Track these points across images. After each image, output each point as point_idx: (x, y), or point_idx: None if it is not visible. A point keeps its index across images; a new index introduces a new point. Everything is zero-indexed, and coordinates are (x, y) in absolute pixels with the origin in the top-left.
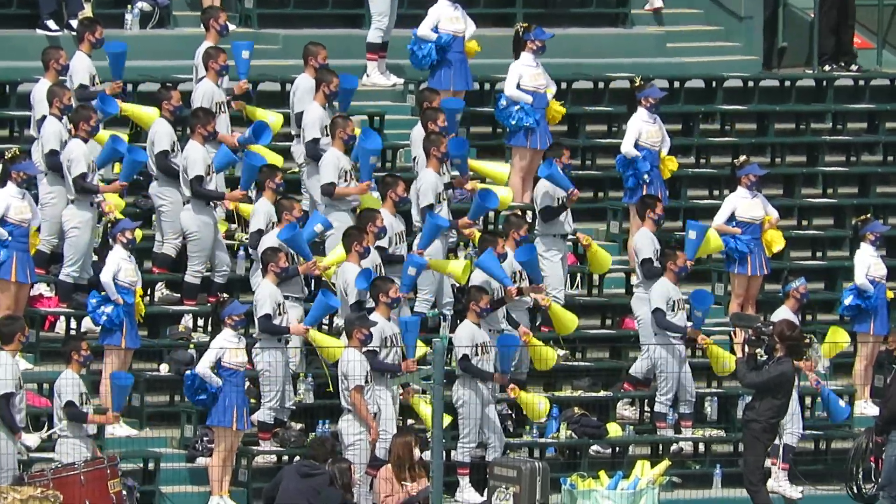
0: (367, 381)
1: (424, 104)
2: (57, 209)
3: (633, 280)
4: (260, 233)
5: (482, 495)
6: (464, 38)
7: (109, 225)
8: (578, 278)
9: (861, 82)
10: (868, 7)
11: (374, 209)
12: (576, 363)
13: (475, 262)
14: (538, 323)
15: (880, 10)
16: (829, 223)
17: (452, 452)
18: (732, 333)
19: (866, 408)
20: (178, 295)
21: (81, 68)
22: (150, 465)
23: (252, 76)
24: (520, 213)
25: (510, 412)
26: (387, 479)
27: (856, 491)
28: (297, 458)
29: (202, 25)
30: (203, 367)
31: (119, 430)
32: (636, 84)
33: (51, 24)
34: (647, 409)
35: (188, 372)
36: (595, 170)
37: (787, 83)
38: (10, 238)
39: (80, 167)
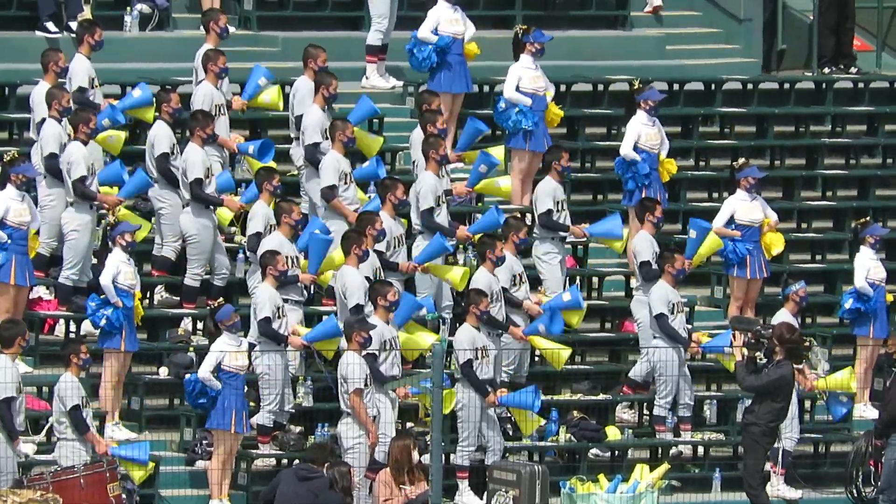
0: (366, 385)
1: (424, 106)
2: (56, 212)
3: (633, 283)
4: (258, 236)
5: (481, 499)
6: (463, 41)
7: (109, 228)
8: (578, 281)
9: (860, 85)
10: (867, 9)
11: (373, 212)
12: (575, 366)
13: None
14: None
15: (880, 12)
16: (828, 226)
17: (451, 456)
18: (732, 337)
19: (865, 411)
20: (178, 298)
21: (81, 71)
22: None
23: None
24: (518, 215)
25: (510, 415)
26: (385, 482)
27: (855, 494)
28: (297, 461)
29: (202, 28)
30: (204, 372)
31: (118, 433)
32: (635, 87)
33: (50, 25)
34: (646, 412)
35: (188, 377)
36: (594, 172)
37: (787, 85)
38: (9, 241)
39: (79, 170)
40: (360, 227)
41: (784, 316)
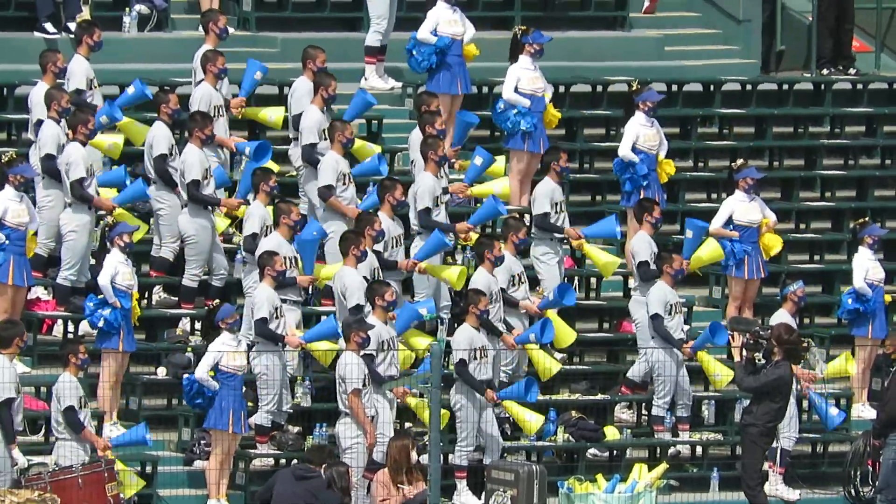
0: (364, 385)
1: (422, 107)
2: (54, 212)
3: (631, 283)
4: (254, 236)
5: (479, 499)
6: (462, 42)
7: (107, 228)
8: (576, 281)
9: (859, 86)
10: (866, 10)
11: (372, 213)
12: (573, 366)
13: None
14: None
15: (879, 13)
16: (826, 226)
17: (450, 456)
18: (731, 337)
19: (864, 411)
20: (176, 298)
21: (79, 71)
22: (148, 469)
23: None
24: (516, 215)
25: (508, 416)
26: (383, 482)
27: (853, 494)
28: (295, 461)
29: (201, 28)
30: (201, 372)
31: (116, 433)
32: (634, 88)
33: (48, 26)
34: (644, 412)
35: (186, 377)
36: (593, 173)
37: (786, 86)
38: (7, 241)
39: (78, 171)
40: (359, 228)
41: (782, 316)
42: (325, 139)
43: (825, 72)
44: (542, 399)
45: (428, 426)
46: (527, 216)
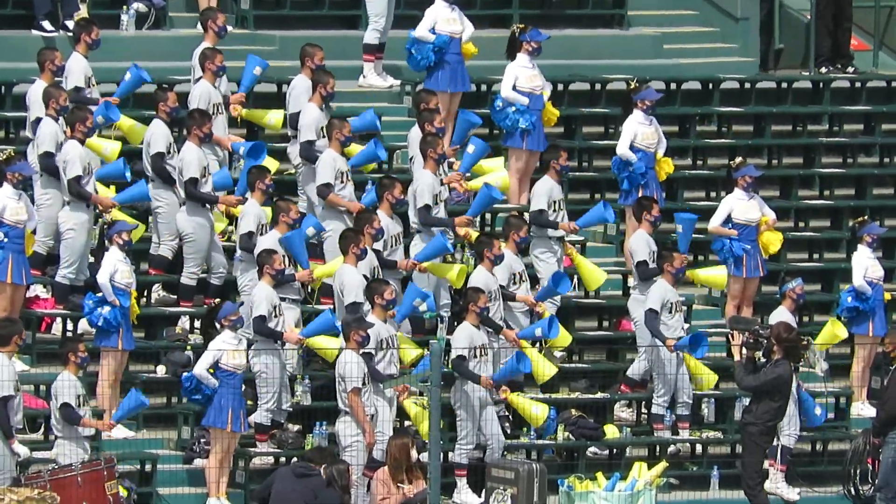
0: (364, 383)
1: (421, 105)
2: (52, 210)
3: (630, 282)
4: (250, 235)
5: (480, 497)
6: (461, 40)
7: (106, 226)
8: (575, 280)
9: (857, 84)
10: (864, 9)
11: (371, 211)
12: (573, 365)
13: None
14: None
15: (877, 11)
16: (825, 225)
17: (450, 454)
18: (730, 336)
19: (863, 409)
20: (175, 296)
21: (77, 69)
22: (148, 467)
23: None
24: (517, 214)
25: (507, 414)
26: (383, 480)
27: (853, 492)
28: (294, 459)
29: (200, 26)
30: (200, 369)
31: (116, 431)
32: (632, 87)
33: (46, 24)
34: (644, 410)
35: (185, 373)
36: (591, 171)
37: (784, 85)
38: (5, 239)
39: (75, 169)
40: (358, 226)
41: (781, 314)
42: (324, 137)
43: (824, 70)
44: (541, 398)
45: (423, 432)
46: (527, 215)
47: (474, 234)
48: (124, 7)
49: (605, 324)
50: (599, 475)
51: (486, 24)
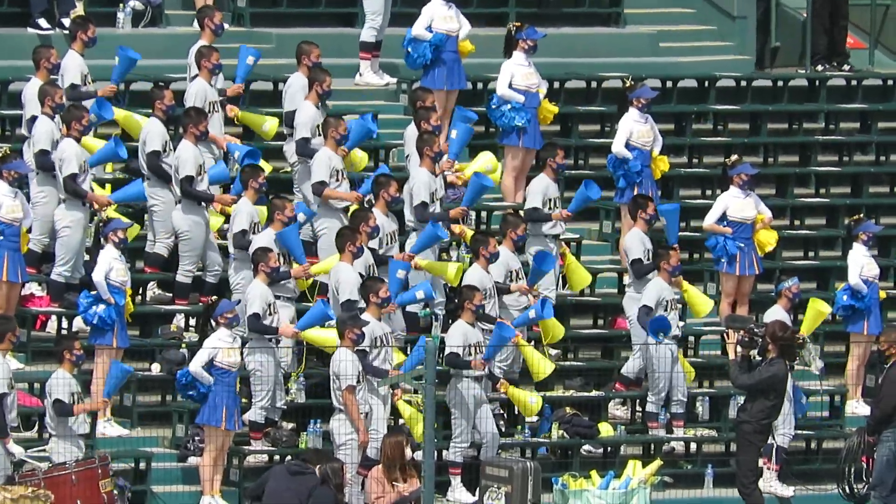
0: (358, 381)
1: (417, 103)
2: (48, 208)
3: (626, 280)
4: (243, 233)
5: (474, 495)
6: (457, 38)
7: (101, 224)
8: (561, 279)
9: (853, 82)
10: (860, 7)
11: (366, 209)
12: (568, 363)
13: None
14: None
15: (873, 10)
16: (821, 223)
17: (444, 452)
18: (725, 335)
19: (858, 407)
20: (170, 295)
21: (73, 67)
22: (142, 465)
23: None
24: (513, 212)
25: (502, 412)
26: (378, 479)
27: (847, 491)
28: (288, 457)
29: (197, 24)
30: (195, 366)
31: (110, 429)
32: (627, 85)
33: (42, 22)
34: (638, 408)
35: (180, 370)
36: (587, 169)
37: (780, 83)
38: (1, 237)
39: (71, 167)
40: (354, 224)
41: (777, 312)
42: (319, 135)
43: (819, 68)
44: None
45: (416, 432)
46: (522, 212)
47: (469, 232)
48: (121, 5)
49: (600, 322)
50: (594, 473)
51: (482, 22)
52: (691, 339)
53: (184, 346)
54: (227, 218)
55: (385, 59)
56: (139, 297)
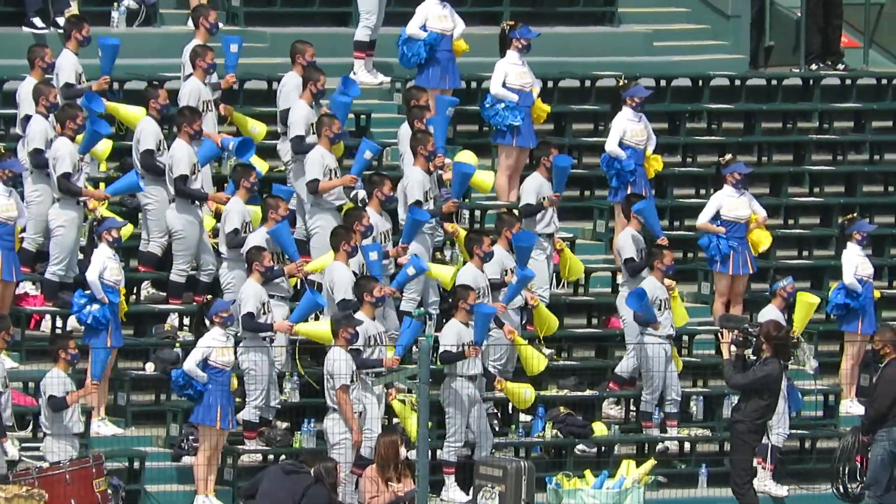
0: (352, 381)
1: (411, 102)
2: (42, 207)
3: (619, 279)
4: (236, 232)
5: (468, 494)
6: (452, 37)
7: (95, 223)
8: (554, 276)
9: (848, 81)
10: (855, 6)
11: (359, 208)
12: (561, 362)
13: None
14: (524, 322)
15: (867, 9)
16: (815, 222)
17: (438, 452)
18: (720, 334)
19: (852, 407)
20: (164, 294)
21: (68, 66)
22: (136, 464)
23: (239, 74)
24: (507, 210)
25: (496, 411)
26: (372, 478)
27: (842, 490)
28: (283, 457)
29: (192, 23)
30: (190, 364)
31: (104, 428)
32: (621, 83)
33: (37, 21)
34: (632, 408)
35: (175, 370)
36: (581, 168)
37: (774, 82)
38: None
39: (64, 166)
40: (348, 223)
41: (771, 312)
42: (313, 133)
43: (814, 67)
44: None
45: (409, 429)
46: (516, 212)
47: (463, 232)
48: (115, 4)
49: (594, 321)
50: (588, 473)
51: (476, 21)
52: (685, 338)
53: (178, 345)
54: (218, 217)
55: (379, 58)
56: (133, 296)
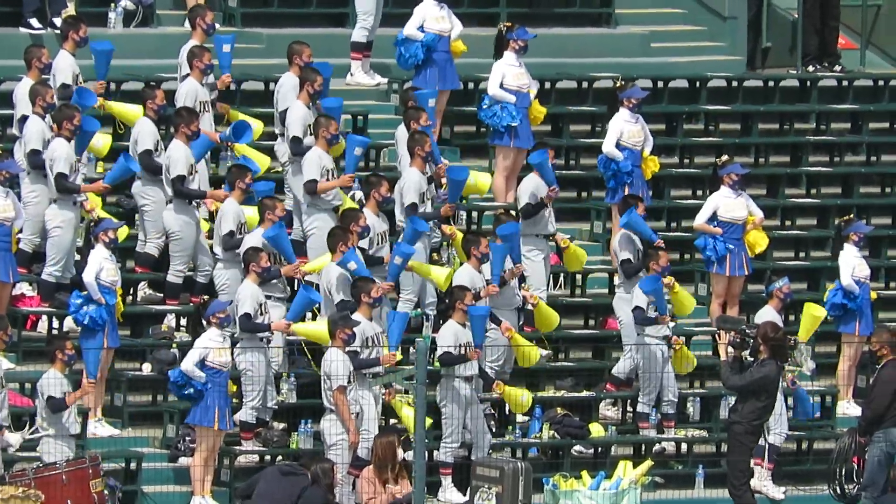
0: (349, 382)
1: (409, 103)
2: (39, 208)
3: (616, 280)
4: (231, 234)
5: (465, 495)
6: (449, 38)
7: (92, 224)
8: (561, 278)
9: (845, 83)
10: (852, 7)
11: (356, 209)
12: (559, 363)
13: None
14: (521, 322)
15: (864, 10)
16: (812, 223)
17: (435, 452)
18: (717, 335)
19: (849, 408)
20: (161, 295)
21: (65, 67)
22: (133, 465)
23: (236, 75)
24: (504, 211)
25: (493, 412)
26: (369, 479)
27: (838, 491)
28: (279, 458)
29: (188, 24)
30: (188, 364)
31: (101, 429)
32: (618, 85)
33: (34, 22)
34: (629, 409)
35: (173, 370)
36: (578, 170)
37: (771, 83)
38: None
39: (61, 166)
40: (344, 224)
41: (768, 313)
42: (310, 135)
43: (811, 69)
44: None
45: (406, 424)
46: (513, 213)
47: (460, 234)
48: (112, 5)
49: (591, 322)
50: (584, 474)
51: (473, 22)
52: (682, 339)
53: (174, 346)
54: (212, 219)
55: (376, 59)
56: (130, 297)
